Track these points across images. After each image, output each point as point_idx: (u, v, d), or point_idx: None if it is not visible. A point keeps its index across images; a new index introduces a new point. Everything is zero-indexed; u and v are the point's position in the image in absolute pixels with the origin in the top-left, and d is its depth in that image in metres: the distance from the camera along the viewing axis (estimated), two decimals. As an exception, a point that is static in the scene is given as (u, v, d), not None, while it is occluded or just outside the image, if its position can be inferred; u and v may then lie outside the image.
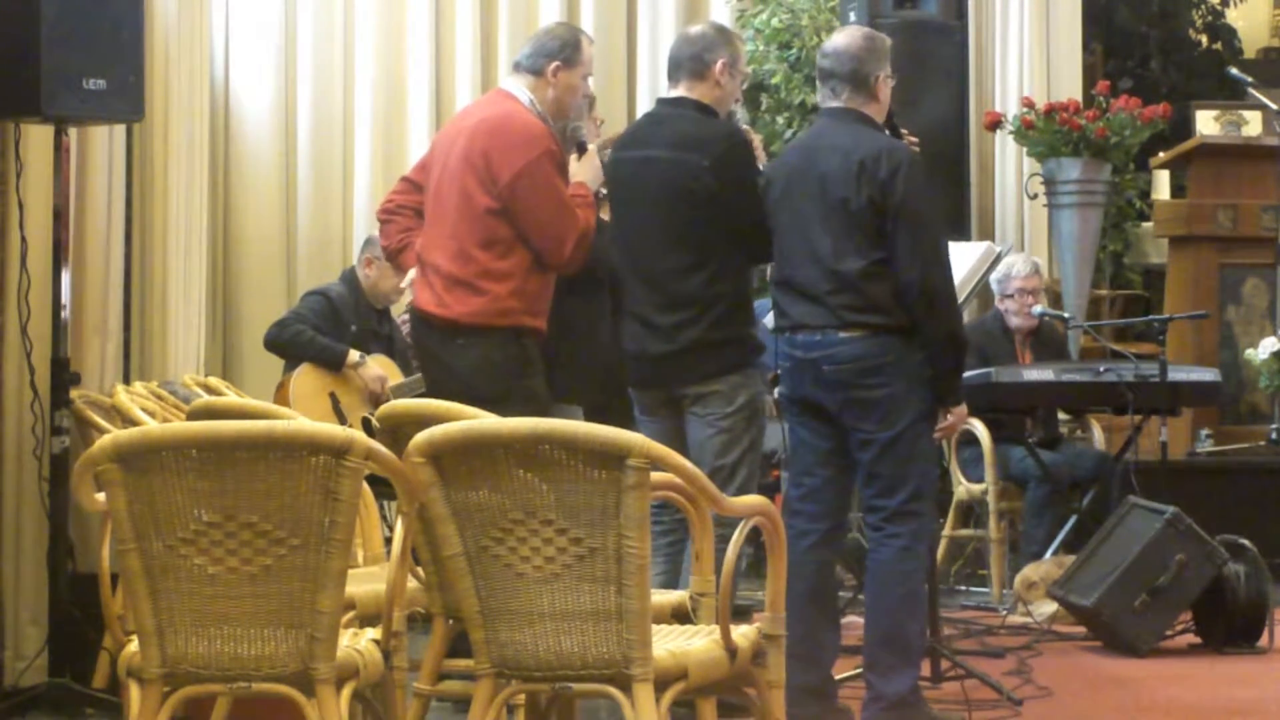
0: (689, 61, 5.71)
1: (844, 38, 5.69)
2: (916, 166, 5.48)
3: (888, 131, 5.69)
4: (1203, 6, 13.37)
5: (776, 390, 7.18)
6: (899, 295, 5.41)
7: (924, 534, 5.61)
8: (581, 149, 5.91)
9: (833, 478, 5.61)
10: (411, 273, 5.92)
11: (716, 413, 5.63)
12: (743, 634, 4.00)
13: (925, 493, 5.55)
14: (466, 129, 5.83)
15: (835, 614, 5.80)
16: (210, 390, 6.71)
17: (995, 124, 9.42)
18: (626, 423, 5.80)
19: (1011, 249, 8.84)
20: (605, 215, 6.06)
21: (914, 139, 5.79)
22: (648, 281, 5.73)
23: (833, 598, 5.78)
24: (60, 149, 6.08)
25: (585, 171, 5.87)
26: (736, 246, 5.68)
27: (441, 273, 5.77)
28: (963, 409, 5.59)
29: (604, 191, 6.01)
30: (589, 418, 6.12)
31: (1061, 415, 8.64)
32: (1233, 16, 13.49)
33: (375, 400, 7.25)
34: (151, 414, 6.11)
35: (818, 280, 5.49)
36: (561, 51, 5.83)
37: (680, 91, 5.74)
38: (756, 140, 5.89)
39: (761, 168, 5.80)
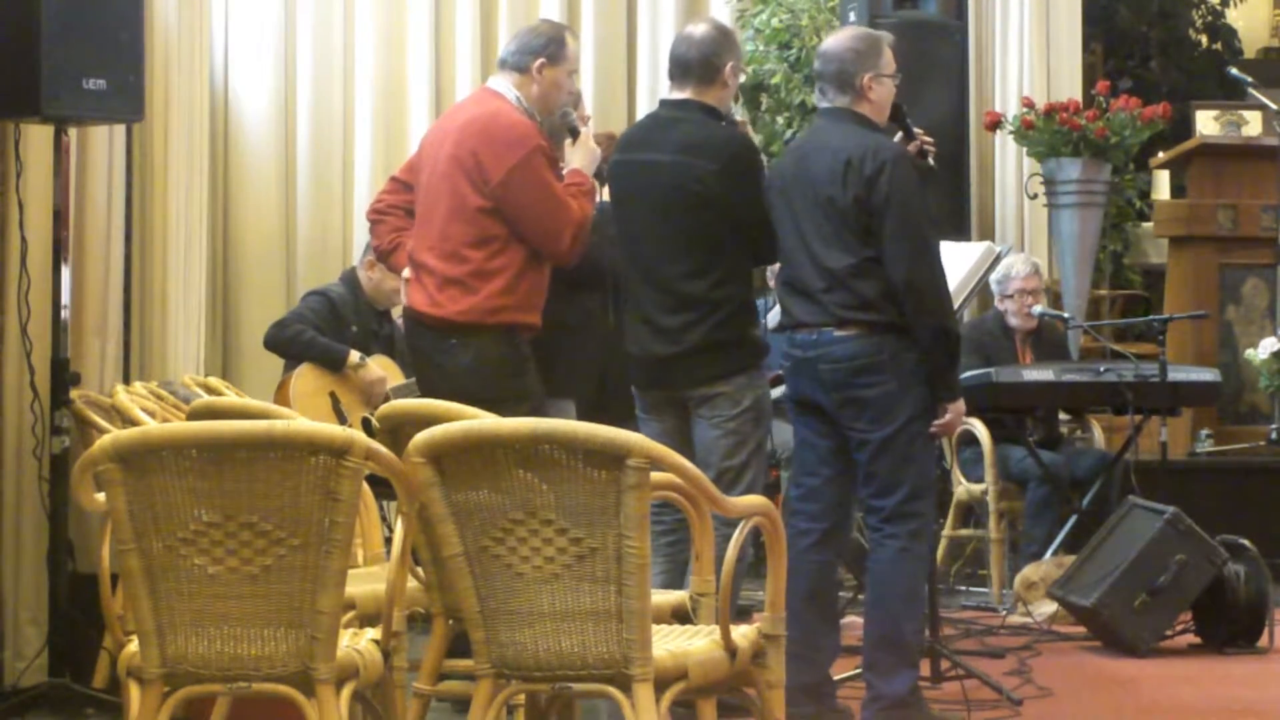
0: (698, 66, 5.69)
1: (833, 39, 5.73)
2: (903, 163, 5.50)
3: (901, 131, 5.71)
4: (1203, 6, 13.37)
5: (777, 390, 7.19)
6: (889, 292, 5.42)
7: (923, 534, 5.61)
8: (574, 134, 5.90)
9: (833, 478, 5.62)
10: (406, 271, 5.92)
11: (723, 414, 5.63)
12: (743, 634, 4.00)
13: (923, 492, 5.55)
14: (454, 128, 5.82)
15: (835, 615, 5.80)
16: (210, 390, 6.71)
17: (995, 124, 9.42)
18: (623, 419, 5.80)
19: (1011, 249, 8.84)
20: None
21: (928, 138, 5.80)
22: (652, 283, 5.73)
23: (832, 598, 5.78)
24: (60, 149, 6.08)
25: (581, 157, 5.86)
26: (741, 249, 5.68)
27: (434, 273, 5.76)
28: (960, 405, 5.59)
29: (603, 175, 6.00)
30: (584, 413, 6.11)
31: (1061, 415, 8.64)
32: (1233, 16, 13.49)
33: (375, 402, 7.24)
34: (151, 414, 6.10)
35: (813, 278, 5.52)
36: (546, 48, 5.82)
37: (687, 94, 5.73)
38: (749, 131, 5.89)
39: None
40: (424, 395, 5.78)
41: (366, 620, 4.51)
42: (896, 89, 5.66)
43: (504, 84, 5.84)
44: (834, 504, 5.64)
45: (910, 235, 5.43)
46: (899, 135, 5.72)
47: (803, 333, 5.56)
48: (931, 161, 5.78)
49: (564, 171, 5.84)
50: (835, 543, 5.68)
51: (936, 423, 5.56)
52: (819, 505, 5.63)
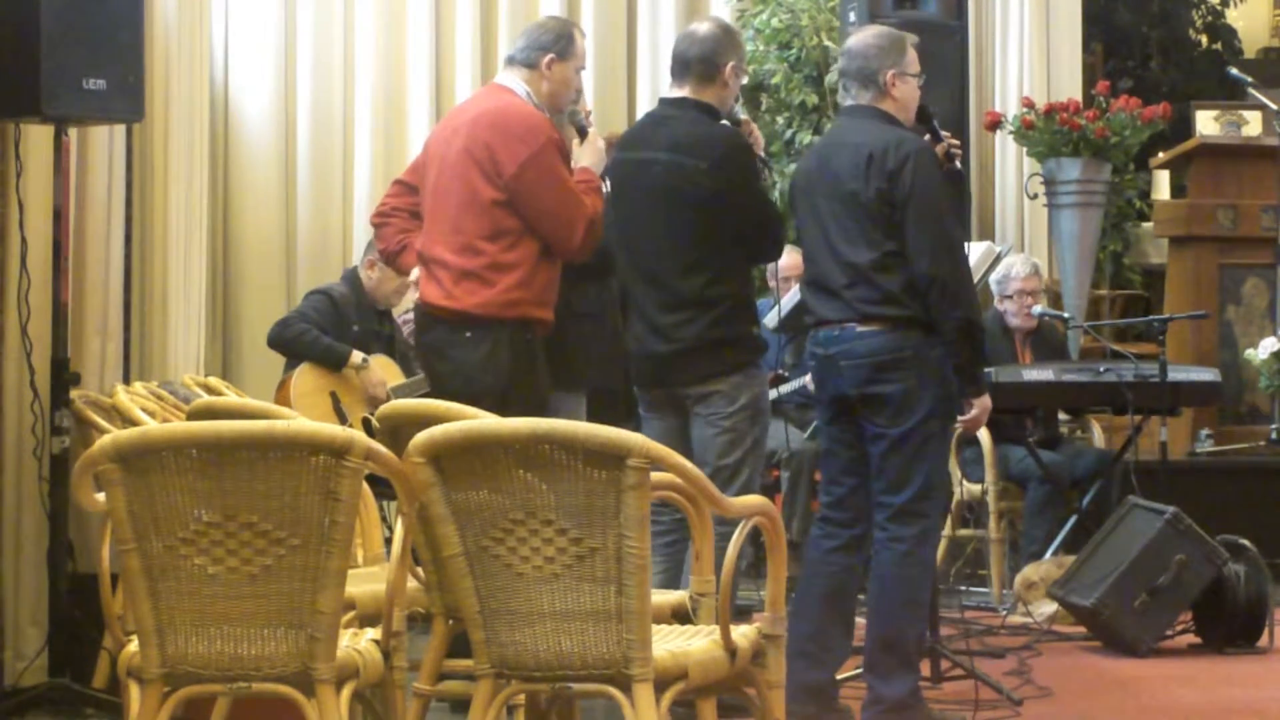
0: (698, 64, 5.70)
1: (856, 36, 5.75)
2: (926, 157, 5.49)
3: (928, 134, 5.71)
4: (1203, 6, 13.38)
5: (778, 390, 7.15)
6: (912, 286, 5.42)
7: (929, 538, 5.59)
8: (583, 133, 5.89)
9: (858, 487, 5.60)
10: (416, 270, 5.90)
11: (719, 413, 5.63)
12: (743, 634, 4.00)
13: (932, 493, 5.53)
14: (465, 123, 5.82)
15: (850, 619, 5.74)
16: (210, 390, 6.71)
17: (995, 124, 9.42)
18: (634, 409, 5.81)
19: (1011, 249, 8.84)
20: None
21: (955, 141, 5.81)
22: (649, 281, 5.73)
23: (850, 602, 5.71)
24: (60, 149, 6.07)
25: (589, 155, 5.86)
26: (737, 247, 5.68)
27: (449, 267, 5.74)
28: (986, 400, 5.59)
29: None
30: (597, 404, 6.10)
31: (1061, 415, 8.64)
32: (1233, 16, 13.51)
33: (376, 404, 7.24)
34: (151, 414, 6.10)
35: (835, 275, 5.52)
36: (555, 44, 5.82)
37: (685, 92, 5.73)
38: (755, 130, 5.88)
39: (761, 155, 5.84)
40: (434, 389, 5.79)
41: (366, 620, 4.51)
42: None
43: (514, 79, 5.84)
44: (861, 512, 5.61)
45: (933, 228, 5.42)
46: (926, 137, 5.72)
47: (825, 329, 5.56)
48: (959, 164, 5.79)
49: (573, 169, 5.84)
50: (861, 549, 5.66)
51: (963, 418, 5.57)
52: (846, 513, 5.62)
